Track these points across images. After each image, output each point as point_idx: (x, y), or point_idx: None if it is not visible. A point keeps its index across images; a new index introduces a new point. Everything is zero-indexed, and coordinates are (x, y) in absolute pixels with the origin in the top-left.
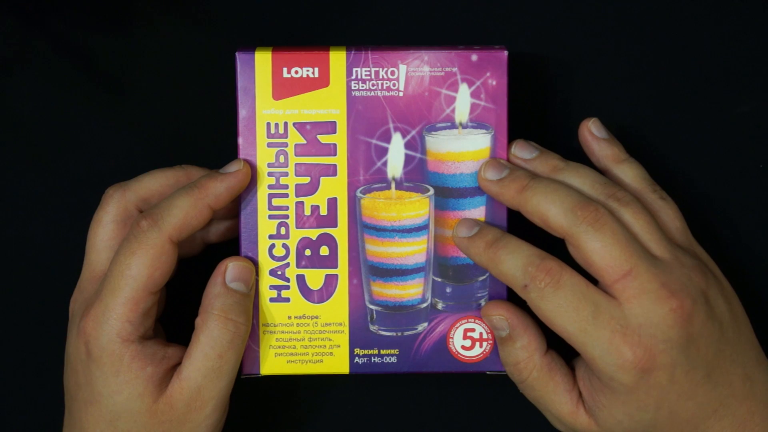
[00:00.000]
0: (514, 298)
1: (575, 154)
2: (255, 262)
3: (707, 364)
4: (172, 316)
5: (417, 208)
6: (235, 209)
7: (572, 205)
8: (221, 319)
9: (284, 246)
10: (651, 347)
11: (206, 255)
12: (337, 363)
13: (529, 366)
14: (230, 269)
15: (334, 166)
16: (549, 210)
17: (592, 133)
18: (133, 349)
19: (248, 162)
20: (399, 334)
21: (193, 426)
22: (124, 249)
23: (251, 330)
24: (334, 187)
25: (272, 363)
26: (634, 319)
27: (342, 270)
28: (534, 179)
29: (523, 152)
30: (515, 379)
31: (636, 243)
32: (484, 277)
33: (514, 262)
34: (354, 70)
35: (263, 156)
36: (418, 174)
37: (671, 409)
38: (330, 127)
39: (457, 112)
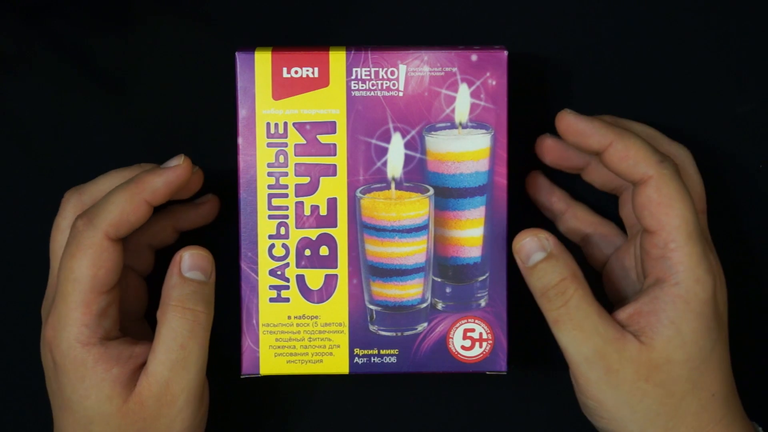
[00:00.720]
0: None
1: None
2: (255, 262)
3: (718, 326)
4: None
5: (417, 208)
6: (186, 197)
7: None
8: (179, 309)
9: (284, 246)
10: (719, 273)
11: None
12: (337, 363)
13: (574, 283)
14: (185, 258)
15: (334, 166)
16: (643, 148)
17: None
18: (96, 352)
19: (188, 157)
20: (399, 334)
21: (167, 421)
22: (65, 253)
23: (251, 330)
24: (334, 187)
25: (272, 363)
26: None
27: (342, 270)
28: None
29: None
30: (554, 305)
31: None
32: (483, 277)
33: (645, 148)
34: (354, 70)
35: (263, 156)
36: (418, 174)
37: (721, 347)
38: (330, 127)
39: (457, 112)
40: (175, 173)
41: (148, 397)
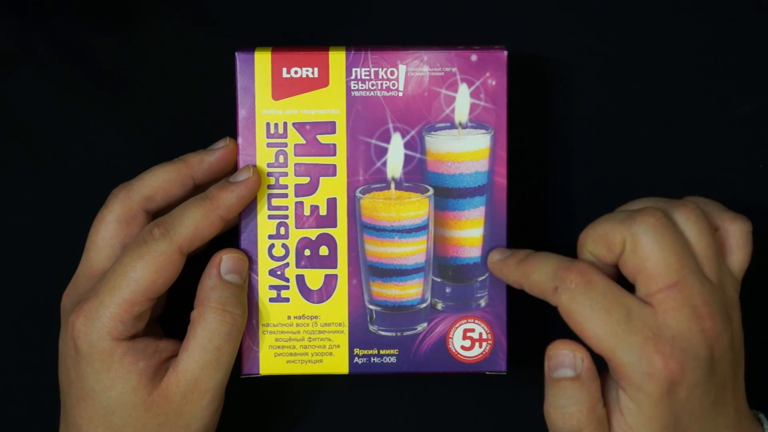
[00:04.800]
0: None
1: (575, 153)
2: (254, 262)
3: (717, 390)
4: (166, 310)
5: (416, 208)
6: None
7: (627, 215)
8: (218, 311)
9: (284, 246)
10: (682, 361)
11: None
12: (337, 363)
13: (590, 417)
14: (225, 261)
15: (334, 166)
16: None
17: None
18: (124, 346)
19: (256, 168)
20: (398, 334)
21: (188, 418)
22: (132, 252)
23: (251, 330)
24: (334, 187)
25: (272, 363)
26: (667, 330)
27: (341, 270)
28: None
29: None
30: (565, 428)
31: (690, 255)
32: (483, 277)
33: (545, 268)
34: (353, 70)
35: (263, 156)
36: (418, 174)
37: (683, 429)
38: (329, 127)
39: (457, 112)
40: (247, 187)
41: (175, 393)
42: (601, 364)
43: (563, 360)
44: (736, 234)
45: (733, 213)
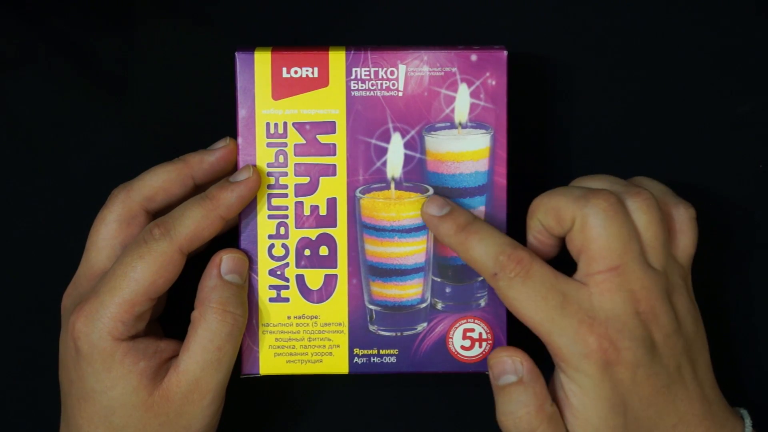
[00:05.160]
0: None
1: (575, 153)
2: (254, 262)
3: (669, 375)
4: (166, 310)
5: (416, 208)
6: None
7: (581, 193)
8: (219, 311)
9: (284, 246)
10: (616, 341)
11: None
12: (337, 363)
13: (539, 416)
14: (225, 261)
15: (334, 166)
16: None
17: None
18: (125, 346)
19: (256, 168)
20: (398, 334)
21: (189, 418)
22: (132, 252)
23: (251, 330)
24: (334, 187)
25: (272, 363)
26: (602, 312)
27: (341, 270)
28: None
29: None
30: (519, 431)
31: (636, 243)
32: (483, 277)
33: (485, 249)
34: (353, 70)
35: (263, 156)
36: (418, 174)
37: (635, 414)
38: (329, 127)
39: (457, 112)
40: (247, 186)
41: (176, 393)
42: (547, 363)
43: (504, 367)
44: (680, 219)
45: (678, 198)
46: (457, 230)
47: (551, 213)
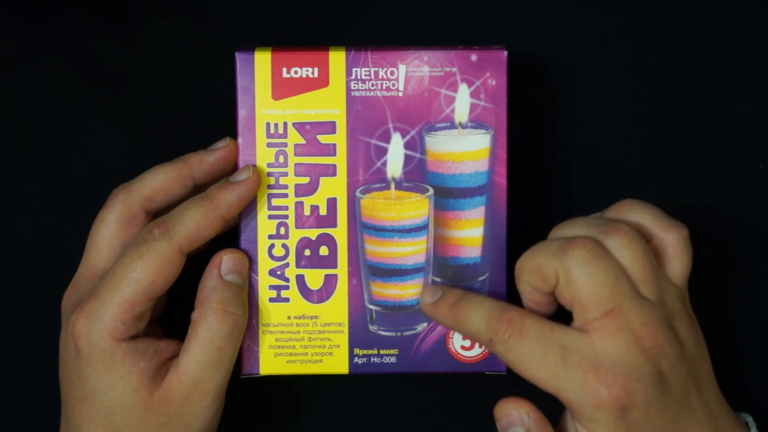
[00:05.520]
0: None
1: (575, 153)
2: (254, 262)
3: (678, 402)
4: (166, 310)
5: (416, 208)
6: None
7: (558, 246)
8: (220, 311)
9: (284, 246)
10: (627, 385)
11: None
12: (337, 363)
13: None
14: (225, 262)
15: (334, 166)
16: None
17: None
18: (125, 346)
19: (256, 168)
20: (398, 334)
21: (189, 418)
22: (132, 252)
23: (251, 330)
24: (334, 187)
25: (272, 363)
26: (606, 358)
27: (341, 270)
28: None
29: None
30: None
31: (625, 281)
32: (483, 277)
33: (477, 318)
34: (353, 70)
35: (263, 156)
36: (418, 174)
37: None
38: (329, 127)
39: (457, 112)
40: (247, 186)
41: (176, 393)
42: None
43: (511, 419)
44: (673, 243)
45: (670, 221)
46: (450, 309)
47: (534, 273)
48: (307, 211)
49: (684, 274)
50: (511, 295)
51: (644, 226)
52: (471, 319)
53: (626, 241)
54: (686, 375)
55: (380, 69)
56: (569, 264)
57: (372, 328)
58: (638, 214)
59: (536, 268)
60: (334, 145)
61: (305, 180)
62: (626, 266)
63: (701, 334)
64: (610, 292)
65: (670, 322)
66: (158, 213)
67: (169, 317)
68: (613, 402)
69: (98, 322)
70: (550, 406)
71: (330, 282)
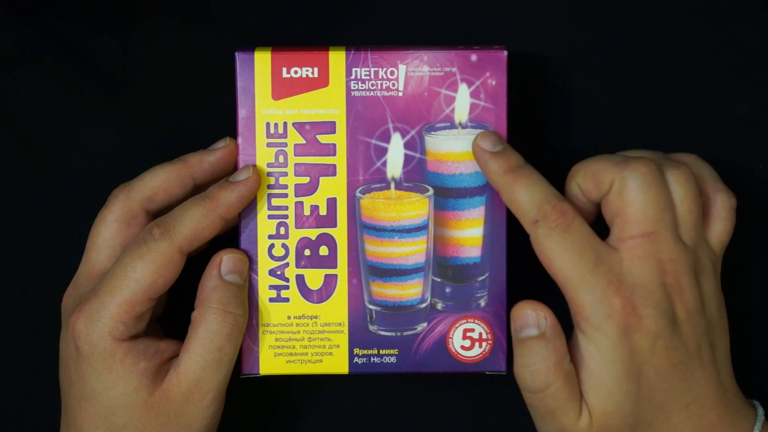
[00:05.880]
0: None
1: (575, 153)
2: (254, 262)
3: (687, 352)
4: (166, 310)
5: (416, 208)
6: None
7: (621, 159)
8: (220, 312)
9: (284, 246)
10: (639, 307)
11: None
12: (337, 363)
13: (557, 372)
14: (225, 262)
15: (334, 166)
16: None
17: None
18: (125, 347)
19: (256, 168)
20: (398, 334)
21: (190, 418)
22: (132, 252)
23: (251, 330)
24: (334, 187)
25: (272, 363)
26: (630, 277)
27: (341, 270)
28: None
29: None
30: (534, 385)
31: (671, 213)
32: (483, 277)
33: (531, 194)
34: (353, 70)
35: (263, 156)
36: (418, 174)
37: (650, 385)
38: (329, 127)
39: (457, 112)
40: (247, 186)
41: (176, 393)
42: (566, 326)
43: (527, 320)
44: (719, 205)
45: (722, 184)
46: (507, 170)
47: (590, 176)
48: (307, 211)
49: (722, 240)
50: (511, 295)
51: (701, 179)
52: (525, 192)
53: (683, 180)
54: (702, 331)
55: (380, 69)
56: (627, 175)
57: (372, 328)
58: (698, 167)
59: (594, 171)
60: (334, 145)
61: (305, 180)
62: (675, 202)
63: (724, 307)
64: (655, 216)
65: (697, 274)
66: (158, 213)
67: (169, 317)
68: (624, 317)
69: (98, 322)
70: None
71: (330, 282)
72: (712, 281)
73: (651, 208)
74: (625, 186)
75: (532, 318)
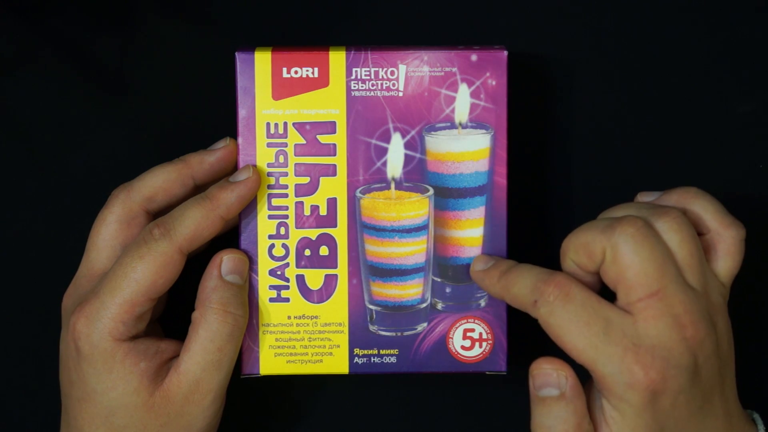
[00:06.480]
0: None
1: (575, 153)
2: (254, 262)
3: (703, 395)
4: (166, 310)
5: (417, 208)
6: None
7: (607, 224)
8: (220, 312)
9: (284, 246)
10: (663, 370)
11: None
12: (337, 363)
13: None
14: (225, 262)
15: (334, 166)
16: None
17: None
18: (126, 347)
19: (256, 168)
20: (398, 334)
21: (190, 418)
22: (132, 252)
23: (251, 330)
24: (334, 187)
25: (272, 363)
26: (647, 339)
27: (341, 270)
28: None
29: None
30: None
31: (672, 264)
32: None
33: (524, 282)
34: (354, 70)
35: (263, 156)
36: (418, 174)
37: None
38: (330, 127)
39: (457, 112)
40: (247, 186)
41: (177, 393)
42: (585, 376)
43: (547, 379)
44: (728, 240)
45: (730, 218)
46: (500, 275)
47: (581, 250)
48: (307, 211)
49: (732, 274)
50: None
51: (704, 218)
52: (519, 282)
53: (676, 225)
54: (716, 371)
55: (380, 69)
56: (617, 240)
57: (372, 328)
58: (701, 204)
59: (584, 245)
60: (334, 145)
61: (305, 180)
62: (674, 250)
63: (732, 337)
64: (657, 273)
65: (711, 315)
66: (158, 213)
67: (169, 317)
68: (648, 384)
69: (99, 323)
70: None
71: (330, 282)
72: (725, 317)
73: (650, 267)
74: (618, 252)
75: (552, 377)
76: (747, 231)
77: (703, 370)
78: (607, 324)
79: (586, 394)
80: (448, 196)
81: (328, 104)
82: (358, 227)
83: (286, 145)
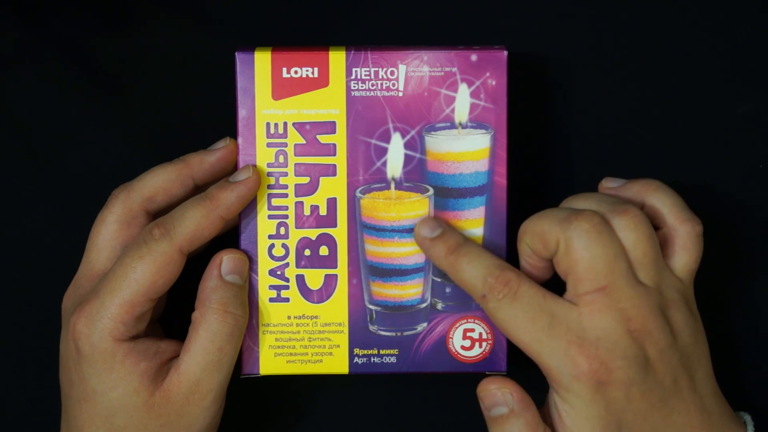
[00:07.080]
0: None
1: (575, 153)
2: (254, 262)
3: (664, 388)
4: (166, 310)
5: (416, 208)
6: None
7: (565, 215)
8: (220, 312)
9: (284, 246)
10: (607, 361)
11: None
12: (337, 363)
13: None
14: (225, 262)
15: (334, 166)
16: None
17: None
18: (126, 347)
19: (256, 168)
20: (398, 334)
21: (191, 419)
22: (132, 252)
23: (251, 330)
24: (334, 187)
25: (272, 363)
26: (592, 332)
27: (341, 270)
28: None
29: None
30: None
31: (623, 261)
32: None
33: (474, 271)
34: (353, 70)
35: (263, 156)
36: (418, 174)
37: (631, 430)
38: (329, 127)
39: (457, 112)
40: (247, 186)
41: (177, 394)
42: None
43: (495, 399)
44: (683, 235)
45: (688, 213)
46: (448, 252)
47: (537, 237)
48: (307, 211)
49: (689, 269)
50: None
51: (661, 212)
52: (468, 270)
53: (632, 224)
54: (677, 364)
55: (380, 69)
56: (571, 234)
57: (372, 328)
58: (659, 198)
59: (539, 233)
60: (334, 145)
61: (305, 180)
62: (628, 248)
63: (701, 330)
64: (606, 269)
65: (664, 310)
66: (158, 213)
67: (169, 317)
68: (591, 375)
69: (99, 323)
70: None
71: (330, 282)
72: (682, 311)
73: (599, 264)
74: (571, 246)
75: (498, 397)
76: (747, 231)
77: (657, 364)
78: (552, 319)
79: (548, 400)
80: (448, 196)
81: (328, 104)
82: (358, 227)
83: (286, 145)
